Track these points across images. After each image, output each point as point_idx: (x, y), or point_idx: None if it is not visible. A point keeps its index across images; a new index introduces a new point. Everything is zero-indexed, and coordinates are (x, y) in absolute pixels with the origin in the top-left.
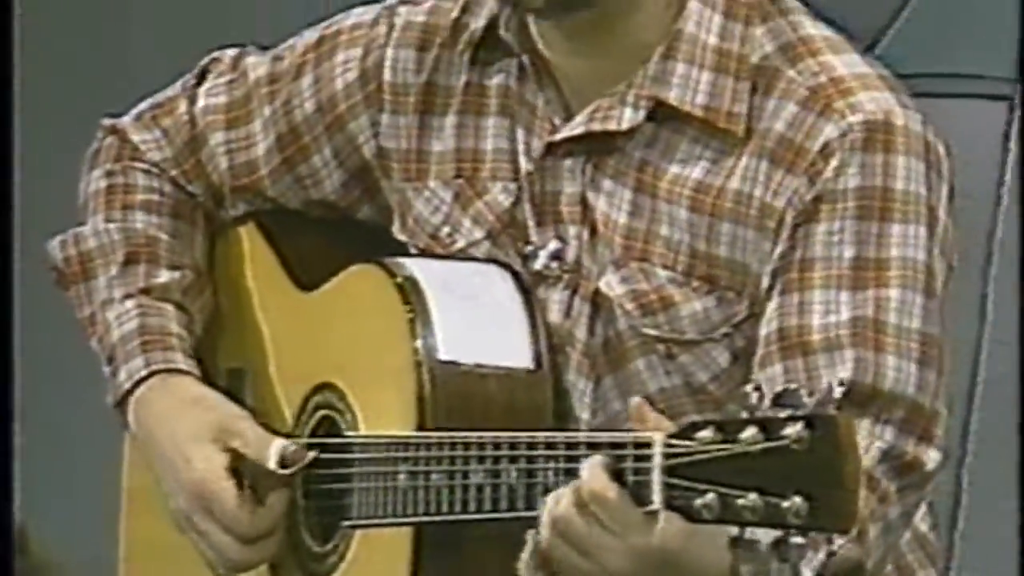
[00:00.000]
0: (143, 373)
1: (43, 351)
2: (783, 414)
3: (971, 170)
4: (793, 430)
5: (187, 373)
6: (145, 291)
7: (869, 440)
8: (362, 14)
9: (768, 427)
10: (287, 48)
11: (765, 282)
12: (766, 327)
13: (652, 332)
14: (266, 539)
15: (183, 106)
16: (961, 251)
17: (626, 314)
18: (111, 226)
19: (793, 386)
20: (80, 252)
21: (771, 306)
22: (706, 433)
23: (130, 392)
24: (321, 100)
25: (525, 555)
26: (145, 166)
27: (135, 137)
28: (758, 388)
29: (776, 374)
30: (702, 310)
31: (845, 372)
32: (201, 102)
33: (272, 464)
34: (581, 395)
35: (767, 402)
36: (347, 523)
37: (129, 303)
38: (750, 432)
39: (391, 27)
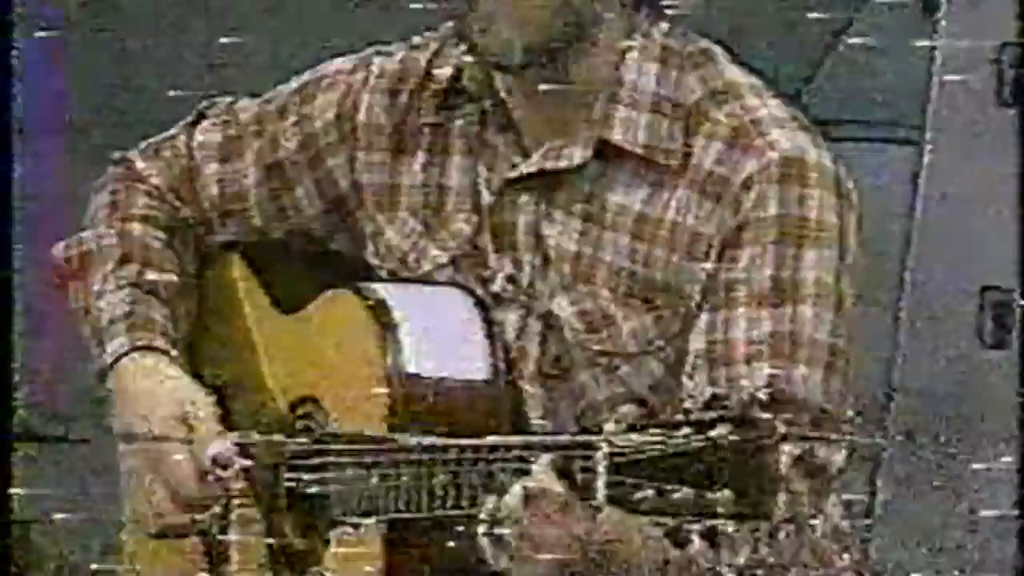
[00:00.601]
0: (126, 347)
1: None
2: (713, 415)
3: (883, 209)
4: (722, 430)
5: (165, 353)
6: (135, 285)
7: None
8: (342, 63)
9: (700, 427)
10: (275, 92)
11: (695, 300)
12: (695, 341)
13: (597, 347)
14: (203, 509)
15: (182, 141)
16: (874, 282)
17: (574, 331)
18: (111, 231)
19: (722, 391)
20: (80, 252)
21: (700, 322)
22: (644, 435)
23: (112, 365)
24: (304, 138)
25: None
26: (146, 188)
27: (139, 165)
28: (691, 394)
29: (703, 382)
30: (640, 327)
31: (762, 381)
32: (198, 138)
33: (207, 460)
34: (535, 403)
35: (699, 405)
36: (326, 520)
37: (121, 293)
38: (684, 431)
39: (368, 74)
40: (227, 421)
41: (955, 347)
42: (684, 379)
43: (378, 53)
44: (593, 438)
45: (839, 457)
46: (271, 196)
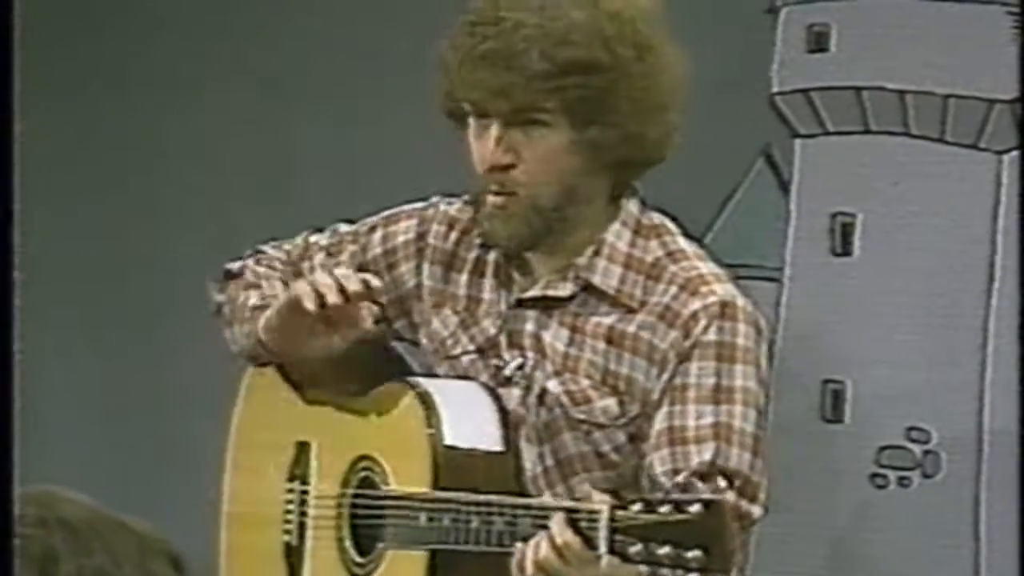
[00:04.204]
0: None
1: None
2: (688, 496)
3: None
4: (696, 508)
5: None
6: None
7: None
8: (417, 204)
9: (679, 505)
10: (367, 220)
11: (655, 395)
12: (658, 425)
13: (578, 416)
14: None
15: (302, 239)
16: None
17: (560, 405)
18: (249, 271)
19: (696, 481)
20: (238, 281)
21: (661, 412)
22: (637, 507)
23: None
24: (387, 247)
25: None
26: (267, 259)
27: (268, 251)
28: (656, 464)
29: (664, 455)
30: (609, 406)
31: (708, 456)
32: (312, 239)
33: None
34: (529, 456)
35: (679, 488)
36: (381, 545)
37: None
38: (666, 508)
39: (436, 211)
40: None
41: (805, 422)
42: (650, 451)
43: (443, 200)
44: (598, 506)
45: (757, 510)
46: None
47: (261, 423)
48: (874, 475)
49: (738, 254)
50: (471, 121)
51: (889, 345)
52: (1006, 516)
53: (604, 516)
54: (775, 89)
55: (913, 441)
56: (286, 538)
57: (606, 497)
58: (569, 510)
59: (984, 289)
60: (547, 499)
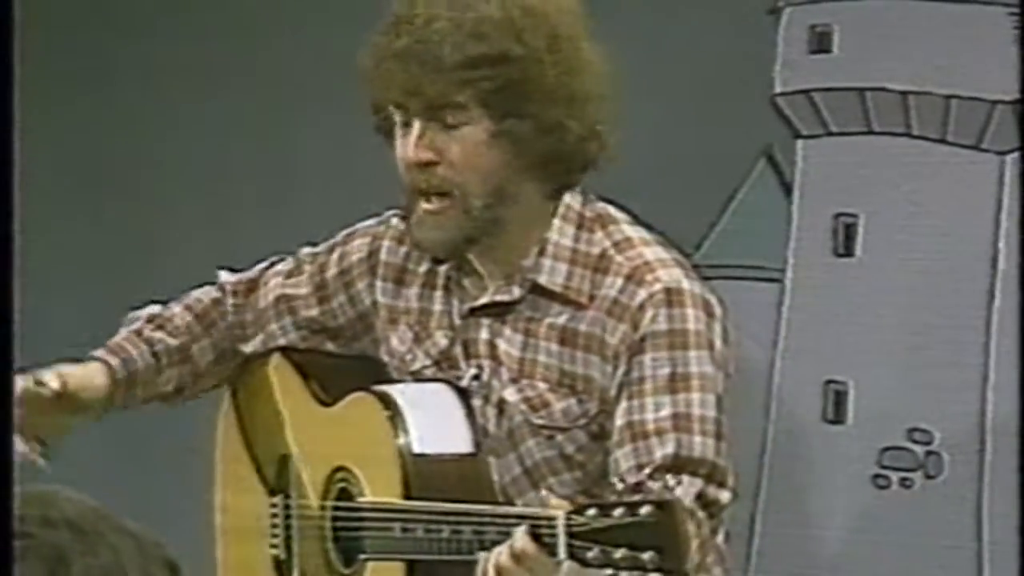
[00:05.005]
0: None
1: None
2: (640, 498)
3: (756, 328)
4: (647, 509)
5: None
6: (137, 332)
7: (689, 487)
8: (371, 221)
9: (631, 507)
10: (327, 242)
11: (613, 392)
12: (618, 421)
13: (538, 422)
14: None
15: (261, 268)
16: (749, 379)
17: (520, 412)
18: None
19: (649, 481)
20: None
21: (620, 408)
22: (592, 511)
23: None
24: (343, 267)
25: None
26: (217, 286)
27: (223, 275)
28: (623, 481)
29: (628, 451)
30: (568, 407)
31: (671, 448)
32: (274, 268)
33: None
34: (493, 467)
35: (628, 490)
36: (363, 556)
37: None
38: (620, 511)
39: (388, 228)
40: (286, 481)
41: (807, 423)
42: (613, 448)
43: (395, 215)
44: (554, 512)
45: (725, 495)
46: (317, 303)
47: (246, 435)
48: (876, 476)
49: (740, 255)
50: (397, 130)
51: (891, 346)
52: (1008, 517)
53: (561, 522)
54: (777, 90)
55: (915, 442)
56: (274, 551)
57: (564, 502)
58: (528, 517)
59: (986, 289)
60: (509, 507)
